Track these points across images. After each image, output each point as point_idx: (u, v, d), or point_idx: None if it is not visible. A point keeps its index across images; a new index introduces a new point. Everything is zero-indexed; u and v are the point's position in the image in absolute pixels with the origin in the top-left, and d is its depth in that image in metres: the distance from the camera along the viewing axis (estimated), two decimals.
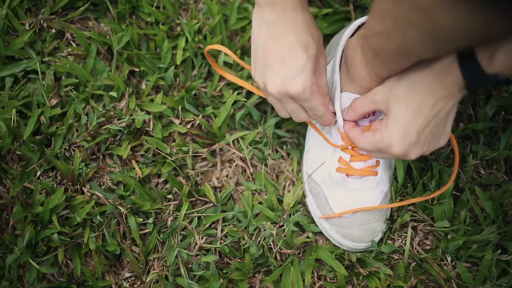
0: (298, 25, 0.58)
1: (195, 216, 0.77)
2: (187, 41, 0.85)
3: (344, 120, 0.68)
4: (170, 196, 0.79)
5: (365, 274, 0.73)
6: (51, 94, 0.81)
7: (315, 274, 0.76)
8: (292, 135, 0.82)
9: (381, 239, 0.75)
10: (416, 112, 0.57)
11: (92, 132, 0.79)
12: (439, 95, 0.55)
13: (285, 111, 0.65)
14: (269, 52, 0.59)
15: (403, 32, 0.50)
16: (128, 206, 0.76)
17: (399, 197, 0.76)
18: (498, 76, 0.50)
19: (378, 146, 0.61)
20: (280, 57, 0.59)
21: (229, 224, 0.77)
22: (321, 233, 0.77)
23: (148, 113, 0.81)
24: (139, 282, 0.75)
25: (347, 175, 0.73)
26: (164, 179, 0.80)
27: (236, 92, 0.81)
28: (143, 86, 0.84)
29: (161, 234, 0.76)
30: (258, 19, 0.60)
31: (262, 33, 0.60)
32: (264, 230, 0.75)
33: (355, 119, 0.67)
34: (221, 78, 0.85)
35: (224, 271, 0.75)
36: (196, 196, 0.79)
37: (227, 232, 0.76)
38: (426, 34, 0.48)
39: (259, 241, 0.75)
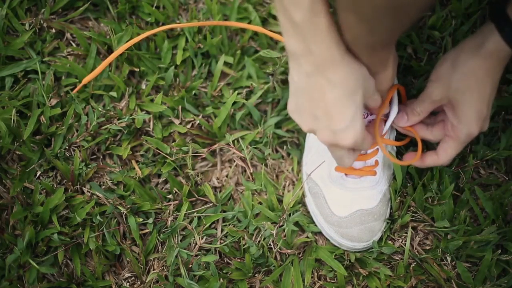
0: (342, 74, 0.52)
1: (195, 216, 0.77)
2: (187, 41, 0.85)
3: (403, 127, 0.68)
4: (170, 196, 0.79)
5: (365, 274, 0.73)
6: (51, 94, 0.81)
7: (315, 274, 0.76)
8: (292, 135, 0.82)
9: (381, 239, 0.75)
10: (481, 95, 0.59)
11: (92, 132, 0.79)
12: (494, 71, 0.59)
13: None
14: (314, 104, 0.54)
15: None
16: (128, 206, 0.76)
17: (399, 197, 0.76)
18: None
19: (462, 144, 0.63)
20: (327, 110, 0.54)
21: (229, 224, 0.77)
22: (320, 233, 0.77)
23: (148, 113, 0.81)
24: (139, 282, 0.75)
25: (346, 174, 0.73)
26: (164, 179, 0.80)
27: (236, 92, 0.81)
28: (143, 86, 0.84)
29: (161, 234, 0.76)
30: (296, 69, 0.54)
31: (303, 82, 0.54)
32: (264, 230, 0.75)
33: (417, 122, 0.67)
34: (221, 78, 0.85)
35: (224, 271, 0.75)
36: (196, 196, 0.79)
37: (227, 232, 0.76)
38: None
39: (259, 241, 0.75)
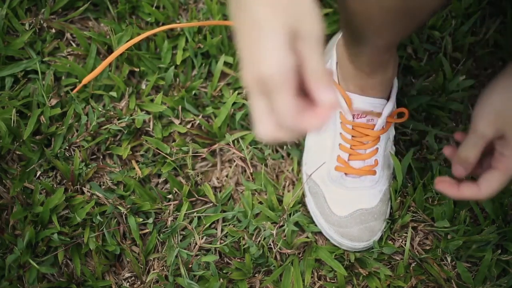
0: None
1: (195, 216, 0.77)
2: (187, 41, 0.85)
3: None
4: (170, 196, 0.79)
5: (365, 274, 0.73)
6: (51, 94, 0.81)
7: (315, 274, 0.76)
8: None
9: (381, 239, 0.75)
10: None
11: (92, 132, 0.79)
12: None
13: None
14: (239, 41, 0.43)
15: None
16: (128, 206, 0.76)
17: (400, 198, 0.76)
18: None
19: (510, 177, 0.54)
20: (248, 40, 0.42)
21: (229, 224, 0.77)
22: (320, 233, 0.77)
23: (148, 113, 0.81)
24: (139, 282, 0.75)
25: (345, 174, 0.73)
26: (164, 179, 0.80)
27: (236, 92, 0.81)
28: (143, 86, 0.84)
29: (161, 234, 0.76)
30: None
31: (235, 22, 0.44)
32: (264, 230, 0.75)
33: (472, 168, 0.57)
34: (221, 78, 0.85)
35: (224, 271, 0.75)
36: (196, 196, 0.79)
37: (227, 232, 0.76)
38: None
39: (259, 241, 0.75)
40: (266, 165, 0.81)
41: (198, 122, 0.82)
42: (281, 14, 0.41)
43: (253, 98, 0.43)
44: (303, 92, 0.41)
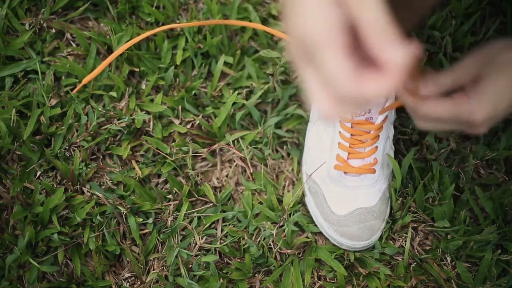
0: None
1: (195, 216, 0.77)
2: (187, 41, 0.85)
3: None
4: (170, 196, 0.79)
5: (365, 274, 0.73)
6: (51, 94, 0.81)
7: (315, 274, 0.76)
8: (292, 135, 0.82)
9: (381, 238, 0.75)
10: (509, 89, 0.49)
11: (92, 132, 0.79)
12: None
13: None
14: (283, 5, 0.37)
15: None
16: (128, 206, 0.76)
17: (400, 198, 0.76)
18: None
19: (458, 112, 0.49)
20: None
21: (229, 224, 0.77)
22: (320, 233, 0.77)
23: (148, 113, 0.81)
24: (139, 282, 0.75)
25: (345, 172, 0.73)
26: (164, 179, 0.80)
27: (236, 92, 0.81)
28: (143, 86, 0.84)
29: (161, 234, 0.76)
30: None
31: None
32: (264, 230, 0.75)
33: (434, 94, 0.52)
34: (221, 78, 0.85)
35: (224, 271, 0.75)
36: (196, 196, 0.79)
37: (227, 232, 0.76)
38: None
39: (259, 241, 0.75)
40: (266, 165, 0.81)
41: (198, 122, 0.82)
42: None
43: (302, 70, 0.37)
44: (362, 58, 0.34)
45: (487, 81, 0.50)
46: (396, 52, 0.31)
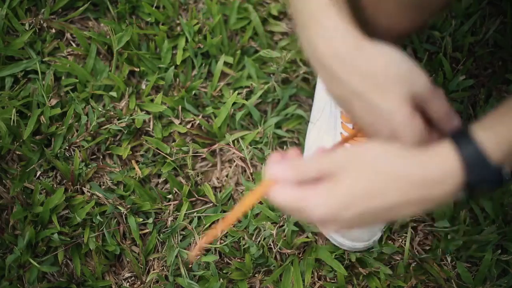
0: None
1: (195, 216, 0.77)
2: (187, 41, 0.85)
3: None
4: (170, 196, 0.79)
5: (365, 274, 0.73)
6: (51, 94, 0.81)
7: (315, 274, 0.76)
8: (292, 135, 0.82)
9: (381, 238, 0.75)
10: (374, 191, 0.42)
11: (92, 132, 0.79)
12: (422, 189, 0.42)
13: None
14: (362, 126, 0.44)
15: None
16: (128, 206, 0.76)
17: None
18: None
19: (298, 203, 0.43)
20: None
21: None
22: (320, 233, 0.77)
23: (148, 113, 0.81)
24: (139, 282, 0.75)
25: None
26: (164, 179, 0.80)
27: (236, 92, 0.81)
28: (143, 86, 0.84)
29: (161, 234, 0.76)
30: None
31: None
32: (264, 230, 0.75)
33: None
34: (221, 78, 0.85)
35: (224, 271, 0.75)
36: (196, 196, 0.79)
37: (227, 232, 0.76)
38: None
39: (259, 241, 0.75)
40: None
41: (198, 122, 0.82)
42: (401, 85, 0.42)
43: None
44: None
45: (340, 178, 0.43)
46: (455, 122, 0.45)
